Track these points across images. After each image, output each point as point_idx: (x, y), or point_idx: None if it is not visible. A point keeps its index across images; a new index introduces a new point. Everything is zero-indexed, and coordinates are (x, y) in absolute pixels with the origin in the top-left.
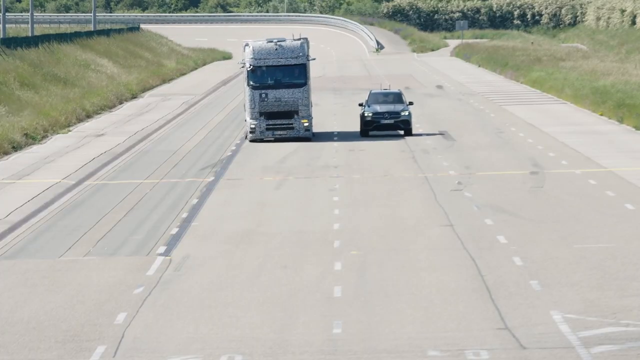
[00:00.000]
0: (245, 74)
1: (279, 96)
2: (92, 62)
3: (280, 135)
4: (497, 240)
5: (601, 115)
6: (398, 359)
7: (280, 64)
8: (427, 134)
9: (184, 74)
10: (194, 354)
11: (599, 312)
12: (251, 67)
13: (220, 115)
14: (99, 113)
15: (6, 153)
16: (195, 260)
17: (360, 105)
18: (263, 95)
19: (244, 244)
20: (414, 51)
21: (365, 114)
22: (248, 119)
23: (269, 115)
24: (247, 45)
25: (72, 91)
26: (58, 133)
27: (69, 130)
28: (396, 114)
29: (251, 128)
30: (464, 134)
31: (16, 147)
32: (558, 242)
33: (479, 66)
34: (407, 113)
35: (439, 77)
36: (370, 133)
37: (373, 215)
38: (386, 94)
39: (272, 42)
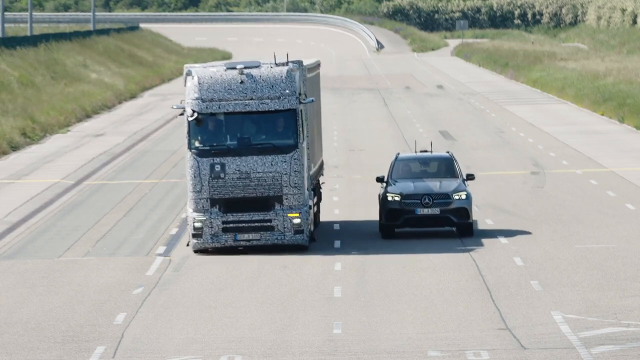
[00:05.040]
0: (185, 128)
1: (247, 169)
2: (91, 62)
3: (248, 241)
4: (498, 240)
5: (602, 115)
6: (398, 359)
7: (248, 109)
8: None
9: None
10: (194, 355)
11: (599, 313)
12: (195, 114)
13: None
14: (98, 113)
15: (5, 153)
16: (195, 260)
17: (379, 180)
18: (217, 168)
19: None
20: (414, 51)
21: (389, 198)
22: (190, 210)
23: (228, 205)
24: (189, 74)
25: (71, 91)
26: (57, 133)
27: (68, 130)
28: (444, 197)
29: (196, 227)
30: (464, 134)
31: (15, 147)
32: (559, 242)
33: (480, 66)
34: (464, 196)
35: (440, 76)
36: (399, 230)
37: (373, 215)
38: (424, 161)
39: (234, 68)
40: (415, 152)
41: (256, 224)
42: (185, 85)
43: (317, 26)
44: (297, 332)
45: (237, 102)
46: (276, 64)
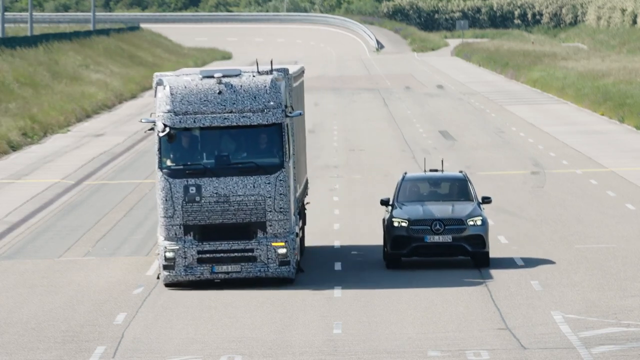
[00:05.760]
0: (156, 144)
1: (226, 192)
2: (91, 62)
3: (227, 273)
4: (498, 240)
5: (602, 115)
6: (398, 359)
7: (227, 123)
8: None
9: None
10: (194, 355)
11: (599, 313)
12: (166, 129)
13: None
14: (98, 113)
15: (5, 153)
16: None
17: (384, 203)
18: (192, 191)
19: None
20: (414, 51)
21: (394, 223)
22: (161, 238)
23: (204, 233)
24: (159, 83)
25: (71, 91)
26: (57, 133)
27: (68, 130)
28: (457, 223)
29: (167, 258)
30: (464, 134)
31: (15, 147)
32: (559, 242)
33: (480, 66)
34: (479, 222)
35: (440, 76)
36: (405, 259)
37: (373, 215)
38: (435, 181)
39: (211, 77)
40: (425, 171)
41: (236, 254)
42: (155, 96)
43: (317, 26)
44: (297, 332)
45: (214, 115)
46: (259, 72)
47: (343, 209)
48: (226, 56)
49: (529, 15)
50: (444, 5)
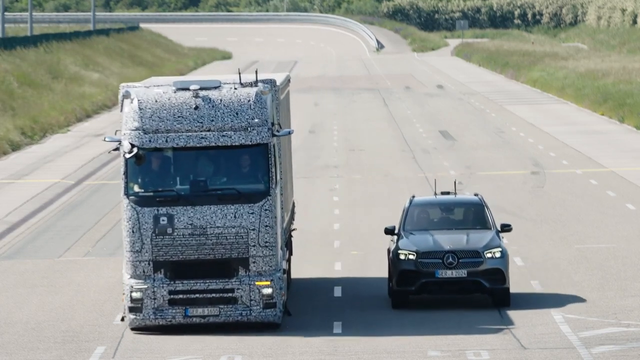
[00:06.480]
0: (122, 167)
1: (203, 223)
2: (92, 62)
3: (203, 317)
4: None
5: (602, 115)
6: (398, 359)
7: (204, 143)
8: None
9: (183, 74)
10: (194, 355)
11: (599, 313)
12: (134, 150)
13: None
14: (98, 113)
15: (5, 153)
16: None
17: (388, 232)
18: (163, 222)
19: None
20: (414, 51)
21: (400, 255)
22: (127, 276)
23: (177, 270)
24: (126, 96)
25: (71, 91)
26: (57, 133)
27: (68, 130)
28: (473, 255)
29: (134, 299)
30: (464, 134)
31: (15, 147)
32: (559, 242)
33: (480, 66)
34: (498, 254)
35: (440, 76)
36: (414, 297)
37: (373, 215)
38: (447, 206)
39: (186, 89)
40: (435, 194)
41: (214, 295)
42: (121, 111)
43: (317, 26)
44: (297, 332)
45: (190, 133)
46: (241, 84)
47: (343, 209)
48: (226, 56)
49: (529, 15)
50: (444, 5)
